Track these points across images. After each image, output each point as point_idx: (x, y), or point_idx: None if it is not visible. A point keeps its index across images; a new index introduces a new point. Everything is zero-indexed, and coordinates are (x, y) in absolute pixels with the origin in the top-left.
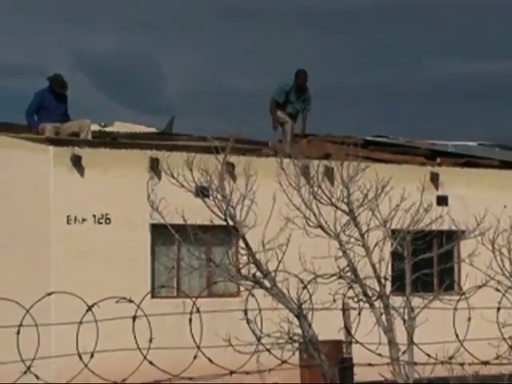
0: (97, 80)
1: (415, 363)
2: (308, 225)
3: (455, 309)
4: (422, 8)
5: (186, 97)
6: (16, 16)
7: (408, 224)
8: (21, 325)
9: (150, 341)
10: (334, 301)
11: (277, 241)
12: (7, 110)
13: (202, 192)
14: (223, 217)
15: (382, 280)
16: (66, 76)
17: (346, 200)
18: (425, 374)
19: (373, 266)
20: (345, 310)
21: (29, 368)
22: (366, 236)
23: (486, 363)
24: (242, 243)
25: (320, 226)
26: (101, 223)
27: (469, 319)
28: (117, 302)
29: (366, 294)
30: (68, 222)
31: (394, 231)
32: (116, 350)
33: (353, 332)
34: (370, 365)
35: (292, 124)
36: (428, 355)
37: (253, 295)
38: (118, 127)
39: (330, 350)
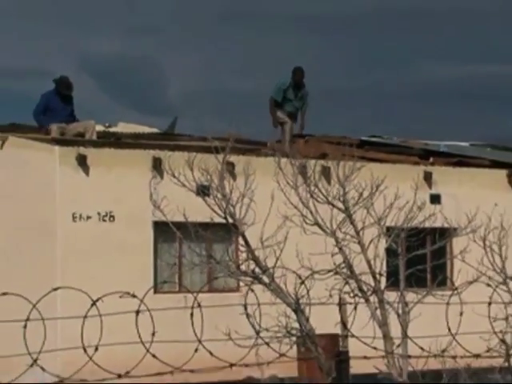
0: (101, 82)
1: (409, 356)
2: (305, 222)
3: (448, 303)
4: (417, 13)
5: (187, 98)
6: (22, 20)
7: (402, 221)
8: (28, 319)
9: (153, 334)
10: (331, 296)
11: (275, 238)
12: (14, 111)
13: (202, 191)
14: (223, 215)
15: (377, 276)
16: (71, 78)
17: (342, 198)
18: (418, 367)
19: (368, 262)
20: (341, 304)
21: (35, 361)
22: (361, 233)
23: (477, 356)
24: (241, 240)
25: (317, 224)
26: (105, 221)
27: (461, 314)
28: (120, 296)
29: (361, 290)
30: (73, 220)
31: (388, 228)
32: (120, 343)
33: (349, 326)
34: (365, 358)
35: (291, 124)
36: (421, 348)
37: (252, 290)
38: (122, 128)
39: (326, 344)
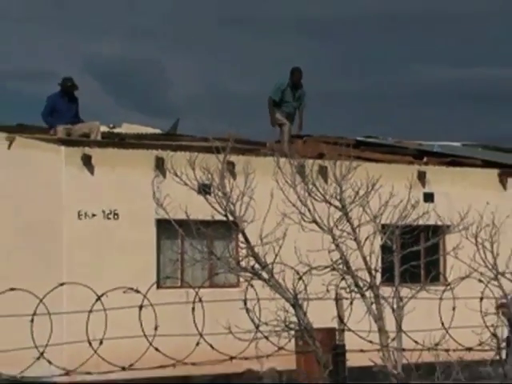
0: (105, 84)
1: (403, 349)
2: (303, 220)
3: (441, 298)
4: (411, 18)
5: (188, 100)
6: (29, 25)
7: (397, 219)
8: (35, 313)
9: (156, 328)
10: (328, 291)
11: (274, 235)
12: (21, 112)
13: (203, 189)
14: (224, 212)
15: (373, 272)
16: (76, 80)
17: (338, 197)
18: (412, 360)
19: (364, 258)
20: (338, 299)
21: (42, 354)
22: (357, 230)
23: (469, 349)
24: (241, 237)
25: (314, 221)
26: (109, 218)
27: (453, 308)
28: (124, 292)
29: (357, 285)
30: (79, 218)
31: (383, 226)
32: (124, 337)
33: (345, 320)
34: (361, 351)
35: (289, 126)
36: (415, 342)
37: (252, 286)
38: (126, 128)
39: (323, 337)
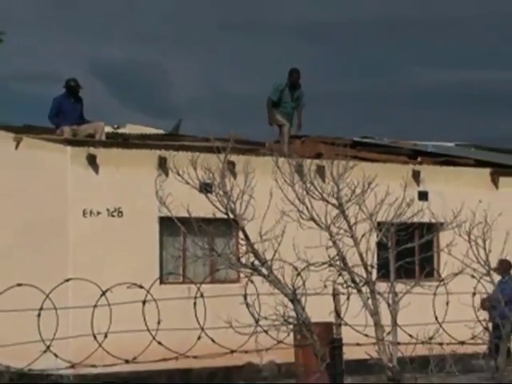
0: (110, 86)
1: (398, 343)
2: (301, 218)
3: (435, 294)
4: (411, 21)
5: (190, 101)
6: (36, 29)
7: (392, 217)
8: (41, 308)
9: (158, 323)
10: (325, 287)
11: (273, 232)
12: (28, 113)
13: (205, 188)
14: (224, 210)
15: (369, 268)
16: (81, 82)
17: (335, 195)
18: (407, 353)
19: (360, 255)
20: (335, 295)
21: (48, 347)
22: (354, 228)
23: (462, 343)
24: (241, 234)
25: (312, 219)
26: (114, 216)
27: (447, 303)
28: (128, 287)
29: (354, 281)
30: (84, 215)
31: (379, 223)
32: (127, 331)
33: (342, 315)
34: (357, 344)
35: (289, 127)
36: (410, 336)
37: (251, 281)
38: (130, 129)
39: (321, 331)
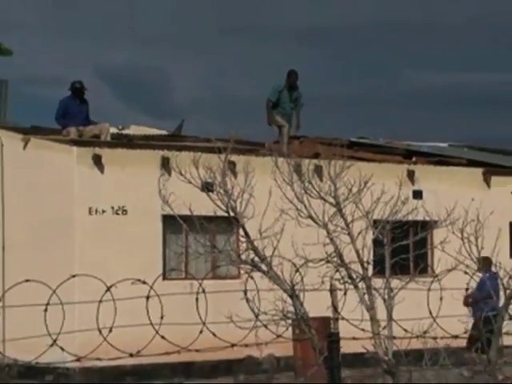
0: (115, 89)
1: (394, 337)
2: (300, 216)
3: (429, 289)
4: (405, 26)
5: (192, 103)
6: (43, 33)
7: (387, 215)
8: (48, 303)
9: (162, 318)
10: (323, 282)
11: (272, 230)
12: (35, 115)
13: (206, 187)
14: (225, 209)
15: (365, 264)
16: (87, 85)
17: (333, 194)
18: (402, 347)
19: (357, 251)
20: (332, 290)
21: (55, 341)
22: (350, 225)
23: (455, 337)
24: (241, 232)
25: (310, 217)
26: (118, 214)
27: (441, 298)
28: (132, 283)
29: (350, 277)
30: (90, 213)
31: (375, 221)
32: (131, 325)
33: (339, 310)
34: (354, 338)
35: (288, 128)
36: (405, 330)
37: (251, 277)
38: (134, 130)
39: (319, 326)
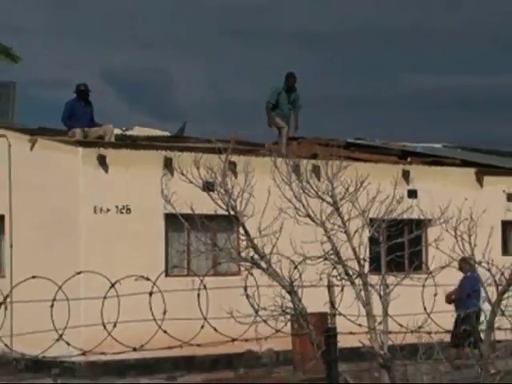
0: (119, 91)
1: (389, 332)
2: (298, 214)
3: (423, 286)
4: (399, 31)
5: (194, 105)
6: (50, 38)
7: (383, 213)
8: (54, 299)
9: (164, 313)
10: (321, 279)
11: (271, 228)
12: (42, 117)
13: (207, 187)
14: (226, 208)
15: (361, 261)
16: (92, 87)
17: (330, 193)
18: (397, 341)
19: (353, 249)
20: (329, 286)
21: (61, 336)
22: (347, 224)
23: (449, 332)
24: (241, 230)
25: (308, 216)
26: (122, 213)
27: (435, 295)
28: (136, 279)
29: (347, 274)
30: (95, 212)
31: (371, 220)
32: (135, 320)
33: (336, 305)
34: (351, 333)
35: (287, 129)
36: (400, 325)
37: (251, 274)
38: (137, 131)
39: (316, 321)
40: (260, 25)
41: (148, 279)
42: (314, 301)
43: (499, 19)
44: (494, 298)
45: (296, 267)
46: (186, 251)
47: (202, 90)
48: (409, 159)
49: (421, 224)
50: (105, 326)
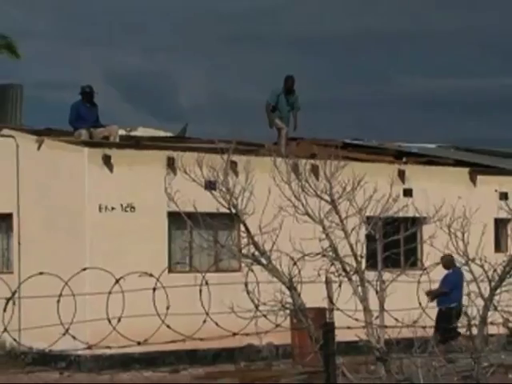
0: (124, 93)
1: (385, 326)
2: (297, 212)
3: (418, 282)
4: (393, 36)
5: (196, 106)
6: (56, 40)
7: (379, 212)
8: (61, 295)
9: (167, 308)
10: (319, 275)
11: (271, 226)
12: (49, 118)
13: (209, 185)
14: (227, 206)
15: (358, 258)
16: (97, 89)
17: (328, 192)
18: (393, 335)
19: (350, 246)
20: (327, 282)
21: (67, 330)
22: (344, 222)
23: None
24: (242, 228)
25: (307, 214)
26: (127, 211)
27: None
28: (139, 276)
29: (345, 270)
30: (100, 210)
31: (368, 218)
32: (139, 315)
33: (334, 301)
34: (348, 328)
35: (287, 130)
36: (396, 320)
37: (252, 270)
38: (141, 132)
39: (315, 316)
40: (260, 30)
41: (151, 275)
42: (313, 296)
43: (489, 23)
44: (486, 293)
45: (295, 264)
46: (189, 248)
47: (204, 92)
48: (404, 159)
49: (416, 222)
50: (110, 321)
